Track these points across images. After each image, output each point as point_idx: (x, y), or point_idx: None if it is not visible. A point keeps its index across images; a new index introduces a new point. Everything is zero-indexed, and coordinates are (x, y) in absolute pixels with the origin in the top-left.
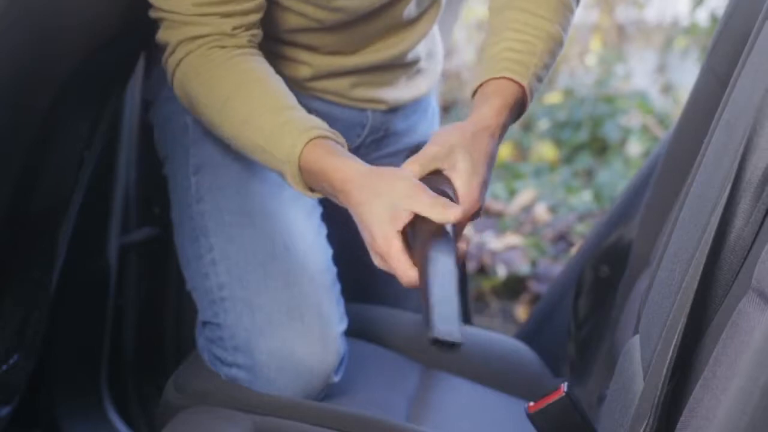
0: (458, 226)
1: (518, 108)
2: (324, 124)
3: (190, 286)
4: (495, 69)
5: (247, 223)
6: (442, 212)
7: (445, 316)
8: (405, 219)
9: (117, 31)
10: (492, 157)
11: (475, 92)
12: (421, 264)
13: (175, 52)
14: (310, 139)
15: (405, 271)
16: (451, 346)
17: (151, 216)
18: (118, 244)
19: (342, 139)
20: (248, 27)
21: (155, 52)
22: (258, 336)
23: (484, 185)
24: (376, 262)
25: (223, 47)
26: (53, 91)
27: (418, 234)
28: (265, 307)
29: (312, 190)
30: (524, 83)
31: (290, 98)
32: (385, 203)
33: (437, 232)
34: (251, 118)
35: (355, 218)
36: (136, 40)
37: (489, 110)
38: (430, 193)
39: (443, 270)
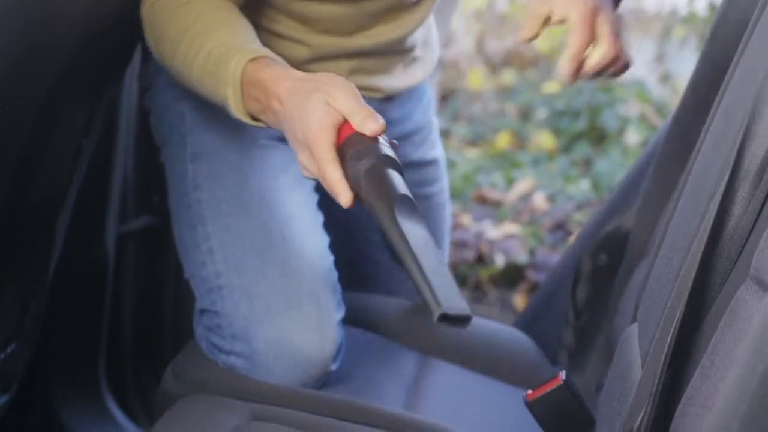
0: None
1: None
2: (275, 55)
3: (188, 274)
4: None
5: (244, 212)
6: (366, 119)
7: (447, 290)
8: (337, 117)
9: (114, 21)
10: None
11: None
12: (372, 205)
13: None
14: (255, 57)
15: (334, 172)
16: (460, 321)
17: (149, 204)
18: (115, 232)
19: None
20: None
21: None
22: (256, 324)
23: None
24: (303, 161)
25: None
26: (50, 82)
27: (352, 157)
28: (263, 295)
29: (254, 118)
30: None
31: (250, 33)
32: (320, 98)
33: (369, 150)
34: (204, 47)
35: (286, 118)
36: (133, 29)
37: None
38: (361, 100)
39: (423, 241)
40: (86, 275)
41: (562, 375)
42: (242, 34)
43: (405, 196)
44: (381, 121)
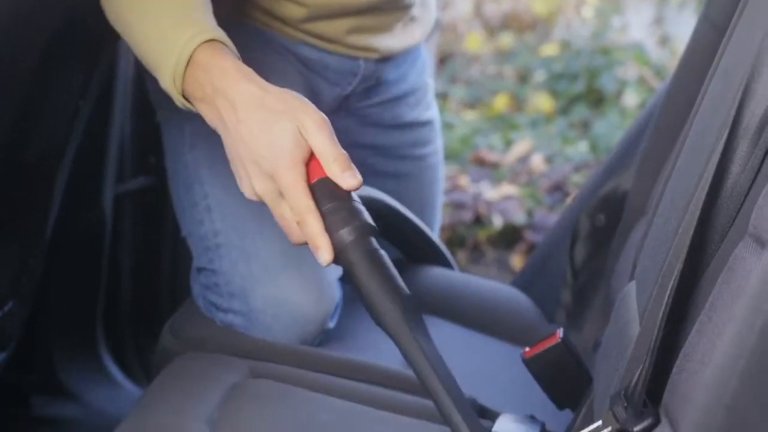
0: None
1: None
2: (228, 39)
3: (185, 233)
4: None
5: None
6: (344, 172)
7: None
8: (307, 152)
9: None
10: None
11: None
12: (372, 298)
13: None
14: (214, 39)
15: (315, 224)
16: None
17: (146, 165)
18: (113, 193)
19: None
20: None
21: None
22: (254, 283)
23: None
24: (259, 187)
25: None
26: (42, 45)
27: (331, 213)
28: (261, 254)
29: (185, 97)
30: None
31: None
32: (290, 127)
33: (350, 215)
34: (156, 9)
35: (239, 131)
36: None
37: None
38: (335, 138)
39: (436, 357)
40: (84, 235)
41: (560, 332)
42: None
43: (410, 297)
44: (359, 177)
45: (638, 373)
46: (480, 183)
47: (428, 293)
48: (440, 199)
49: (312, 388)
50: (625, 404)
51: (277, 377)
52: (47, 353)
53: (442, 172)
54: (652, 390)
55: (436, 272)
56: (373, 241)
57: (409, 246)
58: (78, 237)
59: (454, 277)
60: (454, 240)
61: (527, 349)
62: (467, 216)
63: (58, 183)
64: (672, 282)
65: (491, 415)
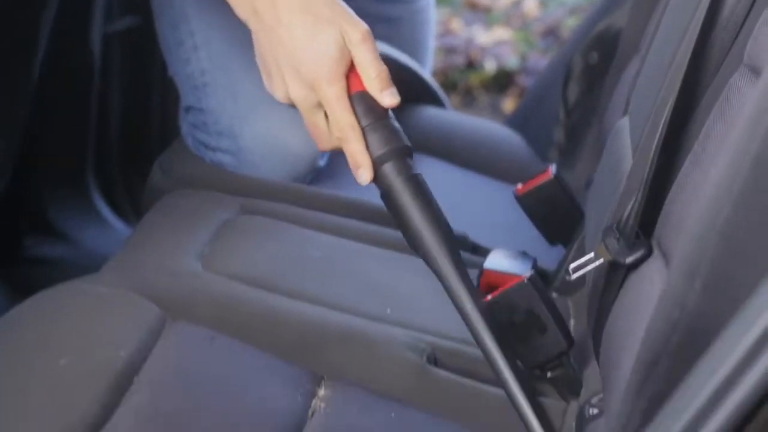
0: None
1: None
2: None
3: (172, 72)
4: None
5: (228, 9)
6: (384, 90)
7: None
8: (348, 64)
9: None
10: None
11: None
12: (419, 235)
13: None
14: None
15: (358, 141)
16: None
17: (133, 4)
18: (101, 33)
19: None
20: None
21: None
22: (242, 122)
23: None
24: (295, 95)
25: None
26: None
27: (369, 130)
28: (249, 93)
29: None
30: None
31: None
32: (336, 35)
33: (390, 137)
34: None
35: (275, 31)
36: None
37: None
38: (378, 54)
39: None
40: (73, 76)
41: (552, 169)
42: None
43: (448, 224)
44: (398, 96)
45: (631, 205)
46: (472, 27)
47: (422, 132)
48: (431, 43)
49: (304, 224)
50: (618, 236)
51: (268, 214)
52: (37, 193)
53: (433, 16)
54: (645, 222)
55: (430, 112)
56: (412, 163)
57: (402, 86)
58: (67, 78)
59: (447, 116)
60: (447, 84)
61: (520, 185)
62: (459, 60)
63: (45, 22)
64: (666, 113)
65: (483, 252)
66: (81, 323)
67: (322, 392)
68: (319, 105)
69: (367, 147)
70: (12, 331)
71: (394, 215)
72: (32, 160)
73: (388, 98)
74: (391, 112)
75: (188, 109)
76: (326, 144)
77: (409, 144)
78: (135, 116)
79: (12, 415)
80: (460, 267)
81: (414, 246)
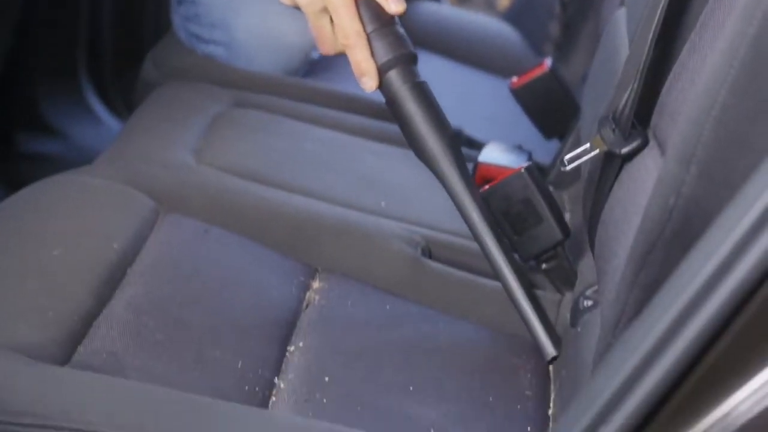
0: None
1: None
2: None
3: None
4: None
5: None
6: None
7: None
8: None
9: None
10: None
11: None
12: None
13: None
14: None
15: (363, 49)
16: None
17: None
18: None
19: None
20: None
21: None
22: (235, 13)
23: None
24: (302, 1)
25: None
26: None
27: (374, 37)
28: None
29: None
30: None
31: None
32: None
33: (395, 42)
34: None
35: None
36: None
37: None
38: None
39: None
40: None
41: (548, 62)
42: None
43: (454, 133)
44: (404, 3)
45: (627, 95)
46: None
47: (418, 27)
48: None
49: (298, 117)
50: (614, 127)
51: (261, 107)
52: (30, 89)
53: None
54: (641, 113)
55: (426, 7)
56: (417, 71)
57: None
58: None
59: (443, 11)
60: None
61: (515, 79)
62: None
63: None
64: (662, 3)
65: (478, 145)
66: (74, 215)
67: (316, 284)
68: (325, 9)
69: (372, 54)
70: (4, 221)
71: (398, 122)
72: (23, 56)
73: (395, 5)
74: (397, 18)
75: (180, 1)
76: (330, 48)
77: (414, 51)
78: (127, 9)
79: (5, 302)
80: (465, 175)
81: (417, 151)
